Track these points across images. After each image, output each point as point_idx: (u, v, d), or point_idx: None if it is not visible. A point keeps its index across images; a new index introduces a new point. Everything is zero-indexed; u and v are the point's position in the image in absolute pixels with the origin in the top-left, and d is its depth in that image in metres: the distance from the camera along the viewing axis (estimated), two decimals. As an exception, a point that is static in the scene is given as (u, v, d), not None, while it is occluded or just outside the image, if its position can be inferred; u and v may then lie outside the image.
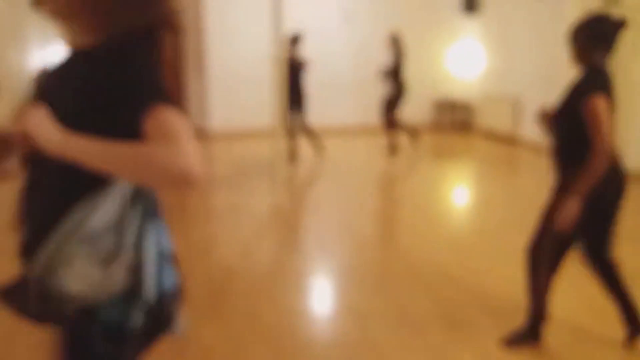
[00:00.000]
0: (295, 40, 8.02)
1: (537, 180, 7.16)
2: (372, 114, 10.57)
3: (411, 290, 4.02)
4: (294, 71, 7.80)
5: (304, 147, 8.57)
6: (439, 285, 4.12)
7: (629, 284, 3.13)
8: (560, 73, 6.77)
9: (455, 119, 11.20)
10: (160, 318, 1.50)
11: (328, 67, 10.22)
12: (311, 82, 9.40)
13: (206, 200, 6.48)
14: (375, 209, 5.97)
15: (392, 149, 8.63)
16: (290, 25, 8.21)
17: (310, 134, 8.39)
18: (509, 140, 9.67)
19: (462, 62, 11.05)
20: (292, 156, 8.01)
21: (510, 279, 4.21)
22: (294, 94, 7.76)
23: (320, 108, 10.27)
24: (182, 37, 10.00)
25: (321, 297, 4.06)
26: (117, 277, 1.38)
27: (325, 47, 10.18)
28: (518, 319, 3.59)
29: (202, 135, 10.12)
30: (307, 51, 8.46)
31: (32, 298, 1.35)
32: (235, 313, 3.63)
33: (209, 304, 3.76)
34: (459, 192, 7.29)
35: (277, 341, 3.33)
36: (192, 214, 5.86)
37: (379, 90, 10.63)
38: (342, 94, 10.64)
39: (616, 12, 7.30)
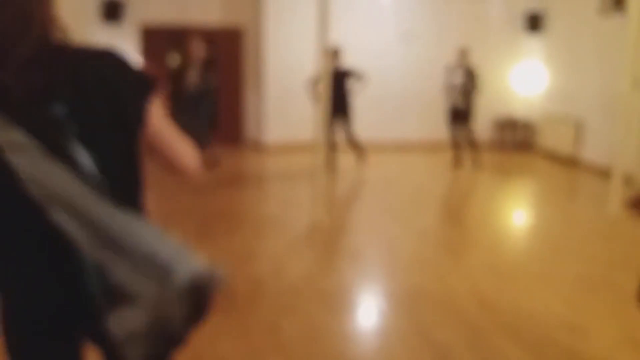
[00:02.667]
0: (336, 53, 8.00)
1: (595, 206, 6.86)
2: (432, 130, 10.48)
3: (442, 315, 3.90)
4: (338, 82, 7.72)
5: (349, 159, 8.56)
6: (472, 311, 3.98)
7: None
8: (623, 95, 6.47)
9: (517, 138, 10.89)
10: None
11: (386, 84, 10.20)
12: (368, 98, 9.44)
13: (250, 211, 6.55)
14: (420, 229, 5.85)
15: (458, 164, 8.79)
16: (344, 45, 8.38)
17: (355, 145, 8.36)
18: (569, 162, 9.31)
19: (525, 81, 10.76)
20: (331, 168, 7.94)
21: (551, 312, 4.03)
22: (338, 104, 7.72)
23: (377, 123, 10.28)
24: (243, 56, 10.22)
25: (346, 316, 4.00)
26: None
27: (382, 65, 10.15)
28: (551, 354, 3.43)
29: (257, 147, 10.27)
30: (364, 67, 8.50)
31: None
32: (257, 327, 3.63)
33: (232, 315, 3.77)
34: (512, 215, 7.06)
35: (296, 357, 3.30)
36: (233, 224, 5.92)
37: (438, 107, 10.54)
38: (399, 111, 10.57)
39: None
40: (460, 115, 8.55)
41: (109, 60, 1.36)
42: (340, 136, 8.26)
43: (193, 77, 7.74)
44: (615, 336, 3.52)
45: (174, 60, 10.07)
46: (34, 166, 1.22)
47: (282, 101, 10.07)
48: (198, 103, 7.76)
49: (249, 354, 3.30)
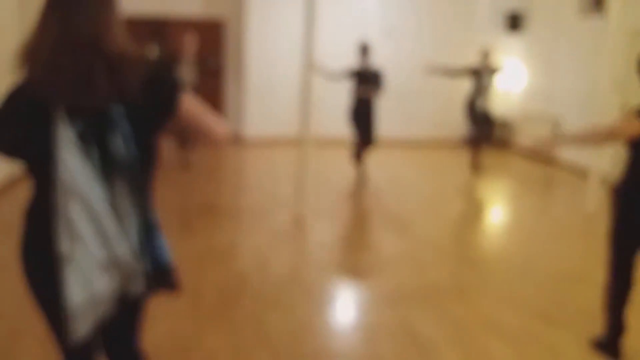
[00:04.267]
0: (365, 50, 7.22)
1: (573, 204, 6.99)
2: (416, 128, 10.57)
3: (424, 309, 3.94)
4: (366, 84, 7.18)
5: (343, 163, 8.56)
6: (454, 306, 4.03)
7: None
8: (601, 94, 6.58)
9: (495, 136, 11.00)
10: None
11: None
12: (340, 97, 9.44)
13: (231, 205, 6.52)
14: (398, 224, 5.90)
15: (477, 167, 8.56)
16: (328, 39, 8.29)
17: (362, 162, 7.51)
18: (546, 160, 9.46)
19: (504, 79, 10.86)
20: (361, 181, 7.44)
21: (531, 307, 4.10)
22: (365, 109, 7.25)
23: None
24: (224, 48, 10.15)
25: (331, 311, 4.02)
26: None
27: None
28: (531, 348, 3.49)
29: (237, 141, 10.22)
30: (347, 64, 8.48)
31: None
32: (243, 320, 3.63)
33: (218, 309, 3.77)
34: (491, 212, 7.15)
35: (282, 351, 3.31)
36: (215, 218, 5.89)
37: (419, 106, 10.61)
38: (382, 108, 10.60)
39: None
40: (486, 118, 8.36)
41: (156, 71, 1.74)
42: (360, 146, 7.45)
43: (188, 74, 7.26)
44: (594, 331, 3.59)
45: (152, 51, 9.96)
46: (71, 164, 1.57)
47: (264, 95, 10.04)
48: None
49: (235, 348, 3.29)
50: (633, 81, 3.45)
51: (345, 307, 4.07)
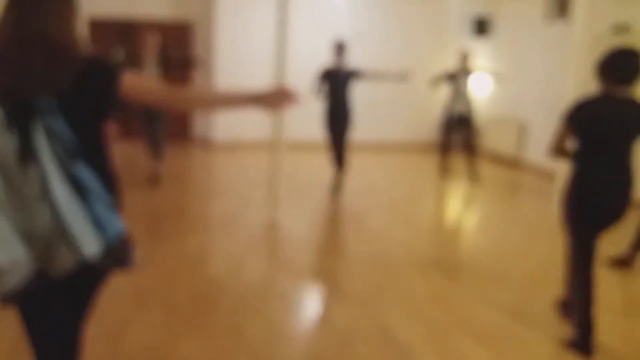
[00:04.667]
0: (340, 49, 6.94)
1: (540, 206, 7.11)
2: (385, 131, 10.65)
3: (399, 311, 3.97)
4: (342, 84, 6.94)
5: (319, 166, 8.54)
6: (428, 307, 4.07)
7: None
8: (566, 98, 6.71)
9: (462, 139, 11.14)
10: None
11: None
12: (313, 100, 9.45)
13: (202, 210, 6.46)
14: (369, 228, 5.92)
15: (446, 171, 8.64)
16: (297, 44, 8.24)
17: (343, 163, 7.20)
18: (512, 163, 9.62)
19: (471, 83, 11.01)
20: (336, 185, 7.17)
21: (502, 306, 4.16)
22: (340, 111, 6.98)
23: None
24: (192, 50, 10.06)
25: (307, 314, 4.01)
26: None
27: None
28: (507, 348, 3.54)
29: (205, 145, 10.14)
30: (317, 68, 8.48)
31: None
32: (219, 327, 3.59)
33: (193, 315, 3.72)
34: (457, 214, 7.23)
35: (260, 356, 3.28)
36: (186, 223, 5.83)
37: (389, 109, 10.69)
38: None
39: (624, 39, 7.30)
40: (465, 121, 8.25)
41: (92, 62, 1.88)
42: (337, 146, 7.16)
43: (154, 74, 6.96)
44: (567, 329, 3.67)
45: (118, 55, 9.81)
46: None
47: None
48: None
49: (212, 355, 3.26)
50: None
51: (321, 311, 4.06)
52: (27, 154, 1.72)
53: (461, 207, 7.54)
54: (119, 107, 1.97)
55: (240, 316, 3.75)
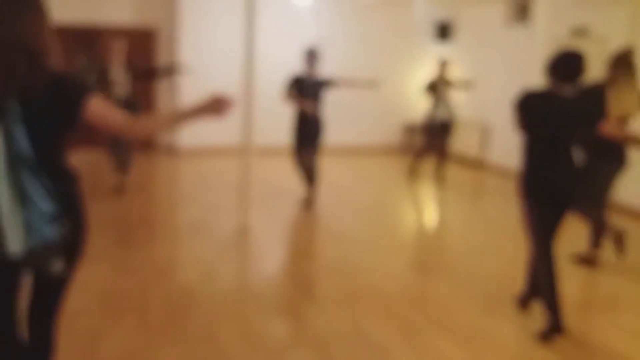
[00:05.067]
0: (312, 57, 6.58)
1: (505, 206, 7.25)
2: (353, 135, 10.71)
3: (375, 312, 3.99)
4: (313, 93, 6.56)
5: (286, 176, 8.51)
6: (403, 307, 4.11)
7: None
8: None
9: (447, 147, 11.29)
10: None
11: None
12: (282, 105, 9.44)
13: (171, 217, 6.39)
14: (340, 231, 5.95)
15: (414, 173, 8.70)
16: (263, 51, 8.19)
17: (314, 176, 6.85)
18: (476, 165, 9.79)
19: (450, 91, 11.16)
20: (308, 202, 6.88)
21: (473, 304, 4.23)
22: (310, 122, 6.59)
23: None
24: (155, 57, 9.95)
25: (283, 319, 3.99)
26: None
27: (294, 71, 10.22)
28: (479, 344, 3.60)
29: (170, 152, 10.04)
30: (285, 72, 8.48)
31: None
32: (194, 334, 3.55)
33: (168, 322, 3.67)
34: (425, 215, 7.32)
35: (236, 363, 3.27)
36: (156, 231, 5.76)
37: (355, 113, 10.75)
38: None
39: (582, 42, 7.51)
40: (446, 128, 8.34)
41: (60, 81, 1.99)
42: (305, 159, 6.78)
43: (120, 83, 6.63)
44: (538, 324, 3.75)
45: (80, 61, 9.64)
46: None
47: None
48: (129, 109, 6.52)
49: (189, 361, 3.23)
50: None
51: (295, 314, 4.05)
52: None
53: (429, 208, 7.63)
54: (79, 128, 2.08)
55: (215, 322, 3.72)
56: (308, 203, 6.86)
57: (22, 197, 1.93)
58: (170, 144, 10.20)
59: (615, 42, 7.24)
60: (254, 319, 3.84)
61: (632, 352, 3.62)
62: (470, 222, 6.78)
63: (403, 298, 4.28)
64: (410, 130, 11.38)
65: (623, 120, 4.28)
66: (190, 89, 9.67)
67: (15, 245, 1.95)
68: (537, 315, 3.97)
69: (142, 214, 6.29)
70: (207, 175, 8.47)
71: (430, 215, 7.33)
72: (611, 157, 4.72)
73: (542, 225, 3.66)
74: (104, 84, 6.42)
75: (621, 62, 4.63)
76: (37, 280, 2.20)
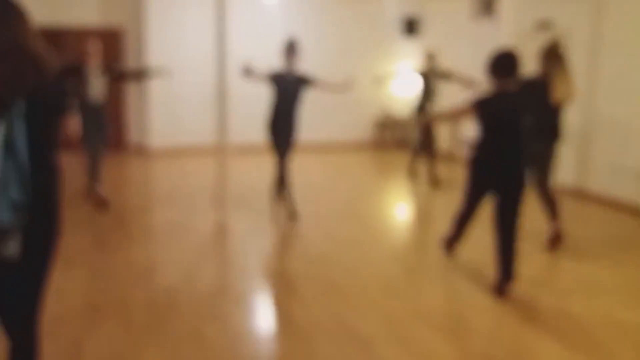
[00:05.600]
0: (291, 50, 6.10)
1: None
2: (322, 132, 10.73)
3: (357, 306, 4.04)
4: (291, 90, 6.10)
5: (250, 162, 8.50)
6: (384, 299, 4.17)
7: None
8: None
9: (396, 137, 11.41)
10: None
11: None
12: (256, 101, 9.43)
13: (146, 219, 6.34)
14: (318, 226, 5.99)
15: (435, 181, 8.24)
16: (234, 48, 8.14)
17: (286, 181, 6.32)
18: (447, 157, 9.92)
19: (402, 82, 11.28)
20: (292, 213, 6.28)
21: (456, 295, 4.32)
22: (284, 122, 6.14)
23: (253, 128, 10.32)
24: (123, 58, 9.82)
25: (266, 316, 4.02)
26: None
27: (272, 66, 10.22)
28: (463, 333, 3.68)
29: (141, 152, 9.94)
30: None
31: None
32: (179, 334, 3.55)
33: (151, 325, 3.66)
34: (400, 208, 7.40)
35: (224, 358, 3.28)
36: (132, 233, 5.71)
37: (324, 110, 10.78)
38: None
39: (547, 36, 7.68)
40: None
41: (57, 82, 2.25)
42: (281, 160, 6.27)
43: (97, 85, 6.32)
44: (523, 308, 3.84)
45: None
46: None
47: (168, 105, 9.83)
48: (101, 115, 6.46)
49: (175, 361, 3.23)
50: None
51: (278, 310, 4.08)
52: None
53: (407, 202, 7.72)
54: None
55: (199, 322, 3.72)
56: (292, 215, 6.24)
57: None
58: (140, 144, 10.11)
59: (578, 35, 7.43)
60: (238, 317, 3.86)
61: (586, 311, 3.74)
62: (441, 214, 6.86)
63: (384, 289, 4.34)
64: (381, 125, 11.48)
65: (562, 104, 5.07)
66: (159, 88, 9.60)
67: None
68: (517, 306, 4.08)
69: (116, 216, 6.22)
70: (180, 176, 8.42)
71: (408, 208, 7.41)
72: (551, 136, 5.24)
73: (478, 192, 4.47)
74: (81, 88, 6.21)
75: (551, 55, 5.11)
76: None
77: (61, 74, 2.31)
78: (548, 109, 5.08)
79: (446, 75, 8.21)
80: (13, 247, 2.10)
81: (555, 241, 5.34)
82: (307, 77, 6.19)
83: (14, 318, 2.30)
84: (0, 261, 2.12)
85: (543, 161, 5.27)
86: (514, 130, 4.20)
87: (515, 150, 4.22)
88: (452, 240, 4.92)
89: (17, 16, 2.22)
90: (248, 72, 5.88)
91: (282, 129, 6.15)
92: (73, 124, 5.62)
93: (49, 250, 2.29)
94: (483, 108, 4.24)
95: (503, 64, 4.18)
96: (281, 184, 6.35)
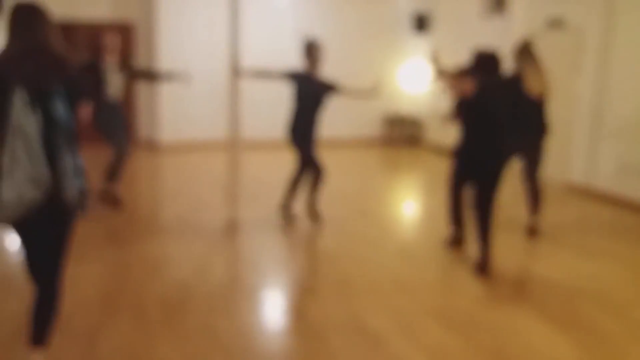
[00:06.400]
0: (312, 51, 5.69)
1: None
2: (332, 129, 10.71)
3: (368, 301, 4.07)
4: (313, 96, 5.66)
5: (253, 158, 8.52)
6: (394, 294, 4.19)
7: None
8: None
9: (405, 134, 11.42)
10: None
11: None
12: (267, 97, 9.46)
13: (158, 213, 6.38)
14: (329, 222, 6.00)
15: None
16: (246, 45, 8.15)
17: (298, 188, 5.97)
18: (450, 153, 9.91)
19: (412, 79, 11.28)
20: (313, 214, 5.99)
21: (460, 288, 4.33)
22: (301, 129, 5.73)
23: (276, 120, 10.35)
24: (134, 52, 9.86)
25: (278, 311, 4.05)
26: None
27: (283, 63, 10.25)
28: (473, 331, 3.69)
29: (151, 147, 9.99)
30: (265, 66, 8.45)
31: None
32: (191, 329, 3.58)
33: (164, 320, 3.69)
34: (409, 204, 7.42)
35: (235, 356, 3.30)
36: (144, 228, 5.75)
37: (331, 108, 10.76)
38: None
39: (558, 33, 7.66)
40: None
41: (78, 69, 2.77)
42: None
43: (115, 82, 6.09)
44: (532, 310, 3.85)
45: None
46: (21, 116, 2.48)
47: (178, 100, 9.86)
48: (120, 114, 6.30)
49: (188, 355, 3.26)
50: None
51: (291, 305, 4.11)
52: (47, 129, 2.55)
53: (413, 198, 7.73)
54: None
55: (212, 316, 3.76)
56: (314, 217, 5.97)
57: (66, 157, 2.63)
58: (151, 139, 10.15)
59: (590, 33, 7.41)
60: (250, 312, 3.89)
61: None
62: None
63: (396, 286, 4.36)
64: (390, 122, 11.48)
65: (542, 99, 5.38)
66: (168, 85, 9.63)
67: (70, 191, 2.65)
68: (529, 302, 4.09)
69: (129, 210, 6.26)
70: (191, 170, 8.47)
71: (416, 204, 7.42)
72: (537, 131, 5.51)
73: (459, 181, 4.96)
74: (99, 85, 5.94)
75: (524, 53, 5.46)
76: (36, 235, 2.70)
77: (80, 70, 2.74)
78: (530, 104, 5.36)
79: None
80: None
81: (532, 234, 5.69)
82: (332, 84, 5.70)
83: (43, 270, 2.78)
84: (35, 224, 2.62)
85: (530, 155, 5.57)
86: (492, 124, 4.61)
87: (491, 143, 4.60)
88: (456, 238, 5.19)
89: (42, 19, 2.67)
90: (236, 72, 5.52)
91: (301, 135, 5.74)
92: (85, 111, 5.68)
93: (72, 216, 2.75)
94: (482, 88, 4.48)
95: (485, 62, 4.65)
96: (294, 188, 5.93)
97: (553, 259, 5.10)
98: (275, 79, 5.83)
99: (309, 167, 5.85)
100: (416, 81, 11.18)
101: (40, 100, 2.53)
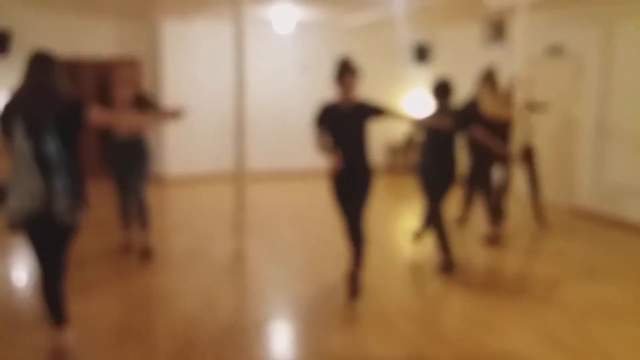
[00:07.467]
0: (345, 71, 4.71)
1: (481, 218, 7.38)
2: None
3: (377, 331, 4.06)
4: (348, 126, 4.66)
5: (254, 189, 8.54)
6: (403, 325, 4.18)
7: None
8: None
9: (408, 162, 11.46)
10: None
11: (284, 114, 10.43)
12: (266, 127, 9.53)
13: (166, 246, 6.40)
14: (336, 251, 6.02)
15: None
16: (250, 77, 8.24)
17: (362, 237, 4.81)
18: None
19: (414, 108, 11.37)
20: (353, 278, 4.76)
21: (469, 316, 4.32)
22: (352, 165, 4.61)
23: (280, 152, 10.44)
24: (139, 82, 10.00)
25: (287, 343, 4.05)
26: None
27: (281, 95, 10.41)
28: (482, 355, 3.68)
29: (158, 181, 10.05)
30: (269, 98, 8.59)
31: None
32: (202, 361, 3.59)
33: (175, 353, 3.70)
34: (412, 231, 7.40)
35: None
36: (151, 261, 5.76)
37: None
38: (297, 140, 10.77)
39: (558, 60, 7.74)
40: (531, 154, 7.17)
41: (72, 101, 3.30)
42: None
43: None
44: (536, 336, 3.84)
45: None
46: (21, 142, 3.20)
47: (183, 134, 9.95)
48: (133, 154, 5.65)
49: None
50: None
51: (301, 338, 4.11)
52: (38, 153, 3.16)
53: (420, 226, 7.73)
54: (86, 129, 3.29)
55: (221, 350, 3.75)
56: (353, 281, 4.72)
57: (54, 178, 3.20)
58: (157, 173, 10.22)
59: (589, 60, 7.50)
60: (259, 347, 3.89)
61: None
62: (453, 238, 6.88)
63: (404, 315, 4.35)
64: (393, 151, 11.55)
65: (496, 119, 6.10)
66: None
67: (60, 206, 3.24)
68: (538, 329, 4.08)
69: (135, 243, 6.28)
70: (197, 203, 8.50)
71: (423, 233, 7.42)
72: (486, 152, 6.11)
73: (431, 194, 5.47)
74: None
75: (486, 80, 6.34)
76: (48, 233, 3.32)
77: (77, 102, 3.28)
78: (493, 125, 6.07)
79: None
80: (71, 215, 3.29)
81: (491, 241, 6.28)
82: (373, 106, 4.67)
83: (52, 261, 3.38)
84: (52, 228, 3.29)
85: (486, 171, 6.31)
86: (449, 142, 5.31)
87: (449, 159, 5.33)
88: (447, 261, 5.40)
89: (50, 64, 3.37)
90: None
91: (348, 179, 4.66)
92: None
93: (75, 222, 3.36)
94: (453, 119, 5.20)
95: (440, 88, 5.34)
96: (355, 241, 4.77)
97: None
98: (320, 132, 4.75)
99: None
100: (418, 110, 11.26)
101: (34, 130, 3.15)
